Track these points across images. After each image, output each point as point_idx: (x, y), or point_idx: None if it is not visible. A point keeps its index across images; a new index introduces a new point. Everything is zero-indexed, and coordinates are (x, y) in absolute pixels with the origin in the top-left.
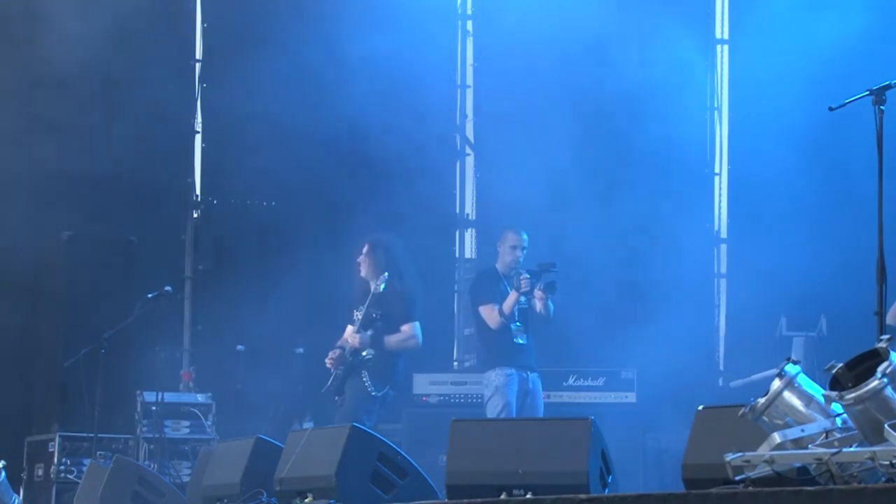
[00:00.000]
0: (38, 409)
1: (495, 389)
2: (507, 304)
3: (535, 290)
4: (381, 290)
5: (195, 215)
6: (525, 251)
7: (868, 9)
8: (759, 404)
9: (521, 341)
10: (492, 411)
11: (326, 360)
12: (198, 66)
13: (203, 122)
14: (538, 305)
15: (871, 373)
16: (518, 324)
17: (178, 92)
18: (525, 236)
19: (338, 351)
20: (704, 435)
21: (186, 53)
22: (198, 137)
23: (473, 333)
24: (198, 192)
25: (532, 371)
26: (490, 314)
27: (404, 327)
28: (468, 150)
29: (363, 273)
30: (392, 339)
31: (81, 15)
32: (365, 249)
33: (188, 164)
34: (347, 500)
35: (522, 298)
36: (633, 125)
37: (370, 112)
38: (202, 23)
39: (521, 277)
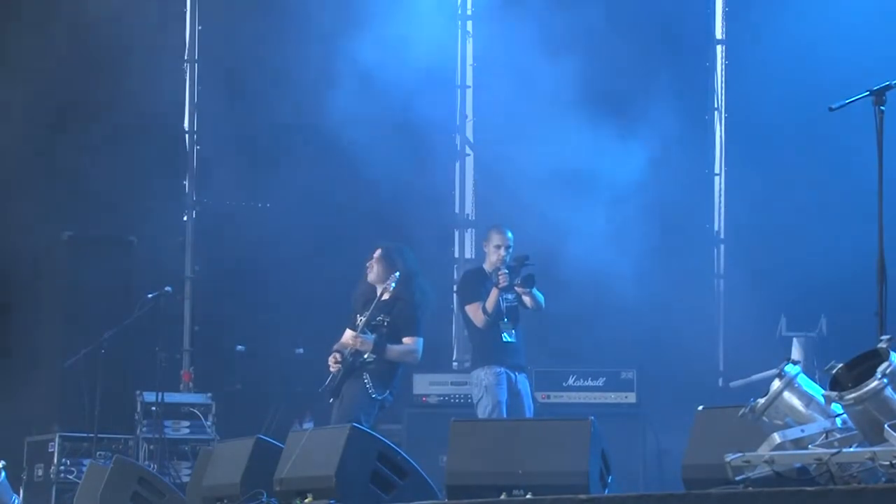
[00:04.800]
0: (38, 409)
1: (485, 389)
2: (490, 302)
3: (514, 285)
4: (391, 289)
5: (194, 216)
6: (510, 250)
7: (868, 8)
8: (759, 405)
9: (508, 339)
10: (482, 412)
11: (331, 364)
12: (193, 67)
13: (199, 124)
14: (527, 301)
15: (871, 373)
16: (506, 321)
17: (174, 94)
18: (510, 235)
19: (338, 353)
20: (704, 435)
21: (180, 55)
22: (191, 138)
23: None
24: (194, 193)
25: (521, 371)
26: (475, 313)
27: (407, 340)
28: (468, 150)
29: (371, 277)
30: (393, 350)
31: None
32: (377, 254)
33: (185, 165)
34: (347, 500)
35: (510, 296)
36: (633, 125)
37: (369, 112)
38: (197, 25)
39: (499, 273)
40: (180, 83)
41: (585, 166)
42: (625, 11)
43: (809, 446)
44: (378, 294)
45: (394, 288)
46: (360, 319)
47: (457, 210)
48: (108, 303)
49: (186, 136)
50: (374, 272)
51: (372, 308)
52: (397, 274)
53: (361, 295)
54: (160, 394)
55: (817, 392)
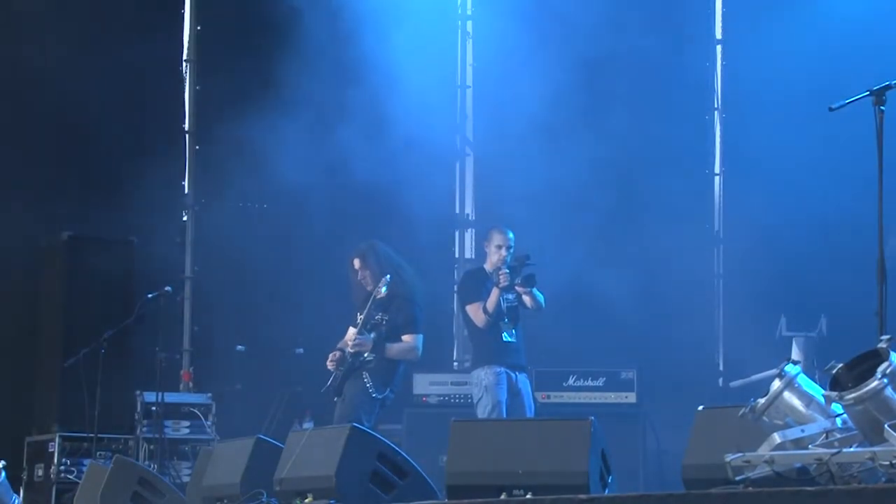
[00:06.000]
0: (38, 409)
1: (485, 389)
2: (490, 302)
3: (515, 285)
4: (384, 293)
5: (194, 216)
6: (511, 250)
7: (868, 8)
8: (759, 404)
9: (508, 339)
10: (482, 412)
11: (328, 363)
12: (193, 67)
13: (199, 124)
14: (527, 300)
15: (871, 373)
16: (506, 321)
17: (172, 93)
18: (511, 235)
19: (338, 352)
20: (704, 435)
21: (178, 55)
22: (190, 138)
23: None
24: (194, 193)
25: (521, 371)
26: (476, 313)
27: (406, 338)
28: (468, 150)
29: (369, 287)
30: (393, 349)
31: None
32: (357, 264)
33: (183, 165)
34: (347, 500)
35: (511, 296)
36: (634, 125)
37: (369, 112)
38: (196, 25)
39: (500, 273)
40: (180, 83)
41: (585, 166)
42: (625, 11)
43: (809, 446)
44: (372, 293)
45: (387, 287)
46: (360, 318)
47: (457, 210)
48: (108, 303)
49: (186, 136)
50: (366, 281)
51: (368, 307)
52: (388, 277)
53: (358, 293)
54: (160, 394)
55: (817, 392)
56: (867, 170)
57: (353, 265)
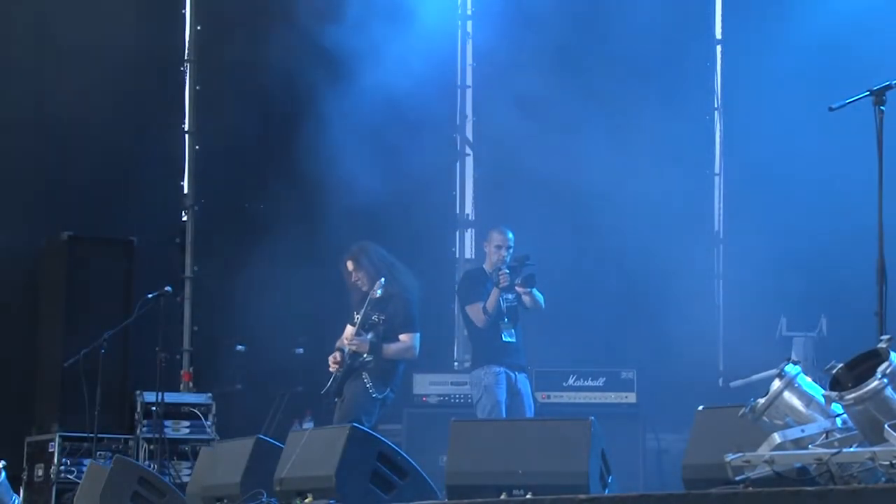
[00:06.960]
0: (38, 409)
1: (484, 389)
2: (490, 302)
3: (515, 285)
4: (380, 294)
5: (193, 216)
6: (511, 250)
7: (868, 8)
8: (760, 404)
9: (508, 339)
10: (481, 412)
11: (330, 365)
12: (193, 67)
13: (199, 124)
14: (526, 300)
15: (871, 373)
16: (506, 321)
17: (172, 93)
18: (510, 235)
19: (338, 353)
20: (704, 435)
21: (178, 55)
22: (191, 138)
23: None
24: (194, 193)
25: (521, 371)
26: (476, 313)
27: (403, 337)
28: (468, 150)
29: (364, 288)
30: (390, 349)
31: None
32: (351, 266)
33: (182, 166)
34: (347, 500)
35: (510, 296)
36: (633, 125)
37: (369, 111)
38: (195, 24)
39: (500, 273)
40: (180, 83)
41: (584, 165)
42: (625, 11)
43: (809, 446)
44: (368, 294)
45: (382, 289)
46: (357, 317)
47: (457, 210)
48: (108, 303)
49: (186, 136)
50: (361, 282)
51: (365, 308)
52: (382, 280)
53: (355, 293)
54: (160, 394)
55: (817, 392)
56: (867, 170)
57: (346, 268)
